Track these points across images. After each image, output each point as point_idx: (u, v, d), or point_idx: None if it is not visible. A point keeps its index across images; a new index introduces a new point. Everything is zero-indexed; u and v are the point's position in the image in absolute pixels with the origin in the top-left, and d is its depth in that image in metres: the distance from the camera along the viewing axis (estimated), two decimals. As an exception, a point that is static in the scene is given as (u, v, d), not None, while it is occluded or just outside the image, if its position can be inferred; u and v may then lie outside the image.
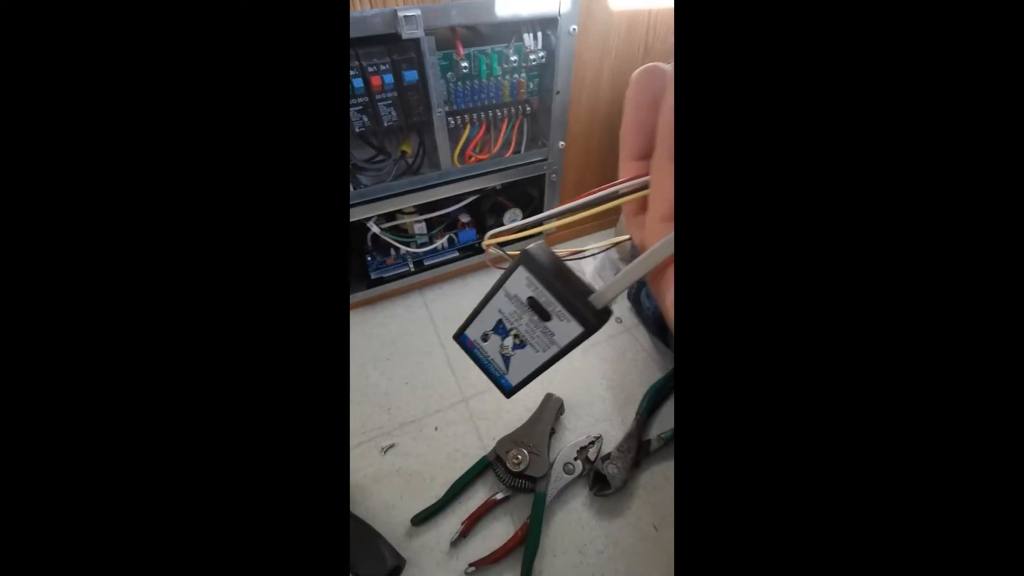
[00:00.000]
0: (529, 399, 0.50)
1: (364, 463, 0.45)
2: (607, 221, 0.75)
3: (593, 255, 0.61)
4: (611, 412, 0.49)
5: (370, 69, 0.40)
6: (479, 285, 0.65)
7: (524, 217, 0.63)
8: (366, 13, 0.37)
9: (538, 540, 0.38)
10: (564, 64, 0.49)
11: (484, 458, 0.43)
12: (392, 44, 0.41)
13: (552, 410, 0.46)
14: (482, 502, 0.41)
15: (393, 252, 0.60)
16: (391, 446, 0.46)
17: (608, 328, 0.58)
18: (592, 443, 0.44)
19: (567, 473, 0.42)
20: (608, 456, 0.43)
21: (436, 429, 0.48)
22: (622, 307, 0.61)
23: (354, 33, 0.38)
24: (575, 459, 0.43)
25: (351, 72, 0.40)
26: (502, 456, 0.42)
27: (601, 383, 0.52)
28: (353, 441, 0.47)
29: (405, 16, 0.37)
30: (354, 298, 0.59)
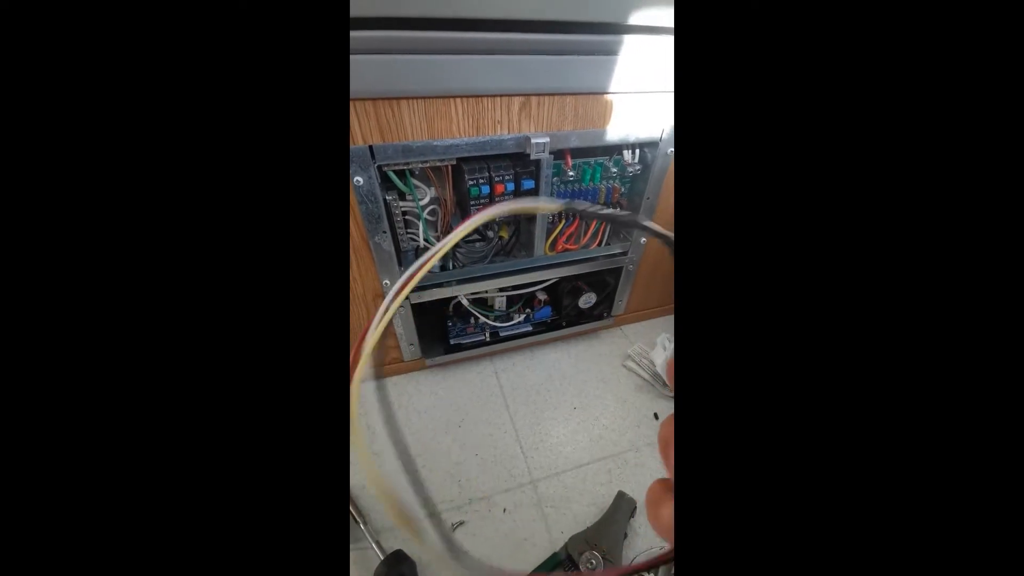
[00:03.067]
0: (598, 492, 0.50)
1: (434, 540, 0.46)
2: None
3: (664, 348, 0.63)
4: (682, 520, 0.48)
5: (496, 179, 0.46)
6: (546, 359, 0.67)
7: (599, 299, 0.67)
8: (503, 137, 0.44)
9: (610, 659, 0.37)
10: (657, 177, 0.54)
11: (555, 554, 0.43)
12: (517, 159, 0.47)
13: (626, 511, 0.46)
14: None
15: (473, 321, 0.64)
16: (460, 523, 0.47)
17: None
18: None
19: (640, 585, 0.41)
20: (683, 573, 0.41)
21: (505, 511, 0.48)
22: (689, 402, 0.61)
23: (490, 151, 0.44)
24: (649, 572, 0.42)
25: (482, 181, 0.46)
26: (574, 557, 0.42)
27: (671, 485, 0.51)
28: (424, 511, 0.48)
29: (536, 142, 0.44)
30: (432, 360, 0.63)
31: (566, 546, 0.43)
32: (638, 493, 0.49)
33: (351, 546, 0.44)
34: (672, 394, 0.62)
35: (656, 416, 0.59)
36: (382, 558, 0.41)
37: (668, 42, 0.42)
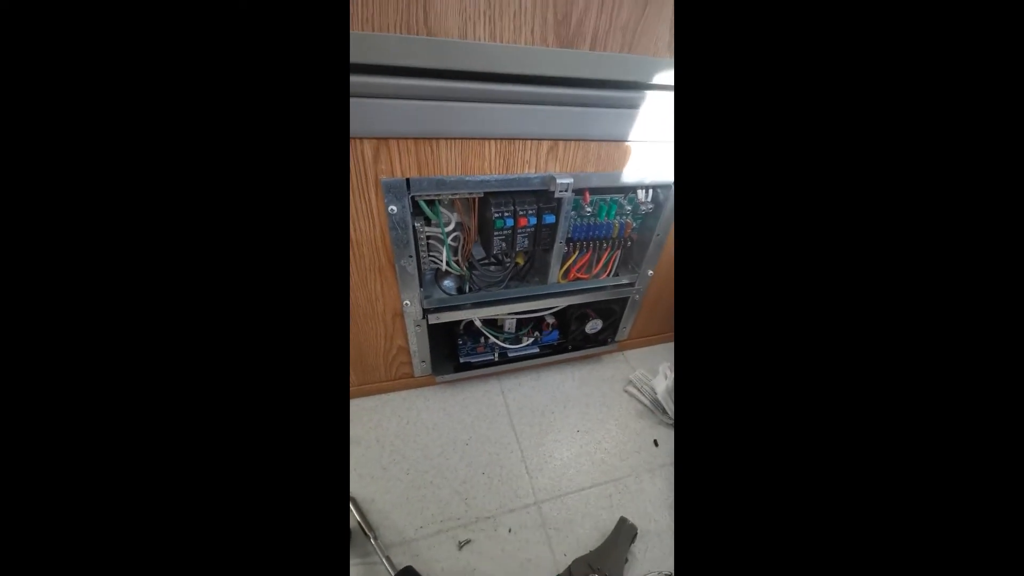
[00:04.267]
0: (600, 515, 0.52)
1: (442, 554, 0.47)
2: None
3: (665, 377, 0.66)
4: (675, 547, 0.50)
5: (520, 212, 0.49)
6: (551, 380, 0.69)
7: (604, 326, 0.69)
8: (530, 176, 0.47)
9: None
10: (667, 216, 0.58)
11: None
12: (541, 195, 0.50)
13: (627, 536, 0.48)
14: (554, 624, 0.42)
15: (483, 341, 0.66)
16: (467, 541, 0.48)
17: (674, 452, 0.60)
18: (663, 580, 0.45)
19: (639, 610, 0.43)
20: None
21: (510, 531, 0.50)
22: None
23: (517, 188, 0.47)
24: (648, 596, 0.44)
25: (507, 213, 0.49)
26: None
27: (668, 512, 0.53)
28: (432, 528, 0.50)
29: (560, 182, 0.47)
30: (442, 378, 0.65)
31: (569, 568, 0.45)
32: (639, 519, 0.51)
33: (361, 560, 0.45)
34: (671, 421, 0.64)
35: (656, 443, 0.61)
36: (392, 574, 0.43)
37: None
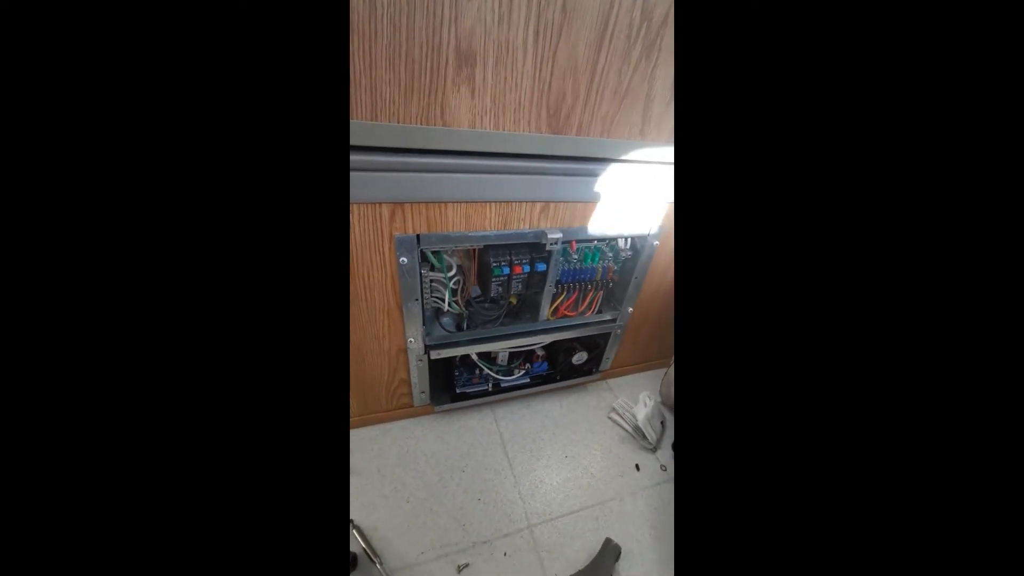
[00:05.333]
0: (588, 537, 0.57)
1: (442, 578, 0.51)
2: (654, 363, 0.86)
3: (645, 404, 0.72)
4: (657, 566, 0.55)
5: (516, 261, 0.56)
6: (541, 408, 0.75)
7: (589, 357, 0.75)
8: (525, 231, 0.53)
9: None
10: (644, 261, 0.65)
11: None
12: (534, 247, 0.57)
13: (612, 555, 0.53)
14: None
15: (477, 372, 0.71)
16: (466, 565, 0.52)
17: (654, 475, 0.66)
18: (644, 596, 0.49)
19: (623, 624, 0.47)
20: (659, 613, 0.48)
21: (505, 555, 0.54)
22: (667, 455, 0.70)
23: (513, 241, 0.54)
24: (631, 611, 0.48)
25: (504, 263, 0.55)
26: None
27: (650, 532, 0.58)
28: (432, 554, 0.53)
29: (551, 236, 0.53)
30: (439, 407, 0.69)
31: (560, 588, 0.49)
32: (623, 539, 0.56)
33: (366, 586, 0.48)
34: (651, 446, 0.70)
35: (638, 467, 0.67)
36: (397, 598, 0.46)
37: (661, 169, 0.54)
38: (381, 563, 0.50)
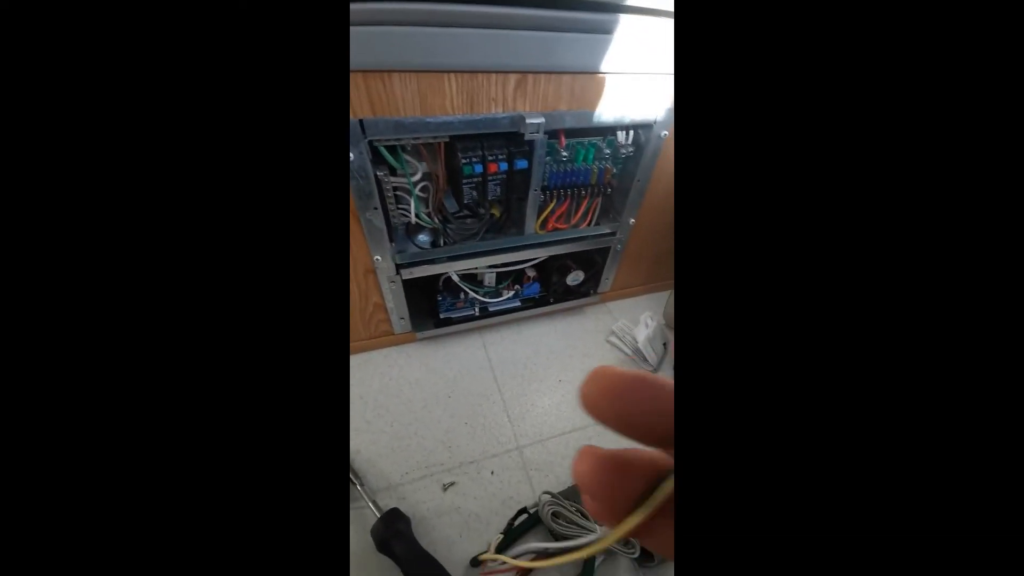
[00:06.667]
0: (577, 457, 0.55)
1: (427, 496, 0.50)
2: (660, 285, 0.79)
3: (647, 326, 0.66)
4: (652, 481, 0.53)
5: (490, 158, 0.46)
6: (534, 334, 0.70)
7: (586, 277, 0.68)
8: (497, 116, 0.43)
9: (583, 598, 0.42)
10: (649, 159, 0.55)
11: (524, 508, 0.47)
12: (511, 138, 0.47)
13: (602, 474, 0.50)
14: (532, 556, 0.45)
15: (462, 296, 0.66)
16: (452, 484, 0.51)
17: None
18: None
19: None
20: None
21: (492, 473, 0.52)
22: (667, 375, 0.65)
23: (484, 130, 0.44)
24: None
25: (475, 159, 0.46)
26: (540, 509, 0.46)
27: (644, 450, 0.56)
28: (417, 474, 0.52)
29: (531, 122, 0.43)
30: (422, 334, 0.65)
31: (548, 505, 0.47)
32: (614, 458, 0.54)
33: (350, 505, 0.48)
34: (652, 368, 0.66)
35: (635, 388, 0.63)
36: (378, 516, 0.45)
37: (665, 24, 0.41)
38: (361, 484, 0.48)
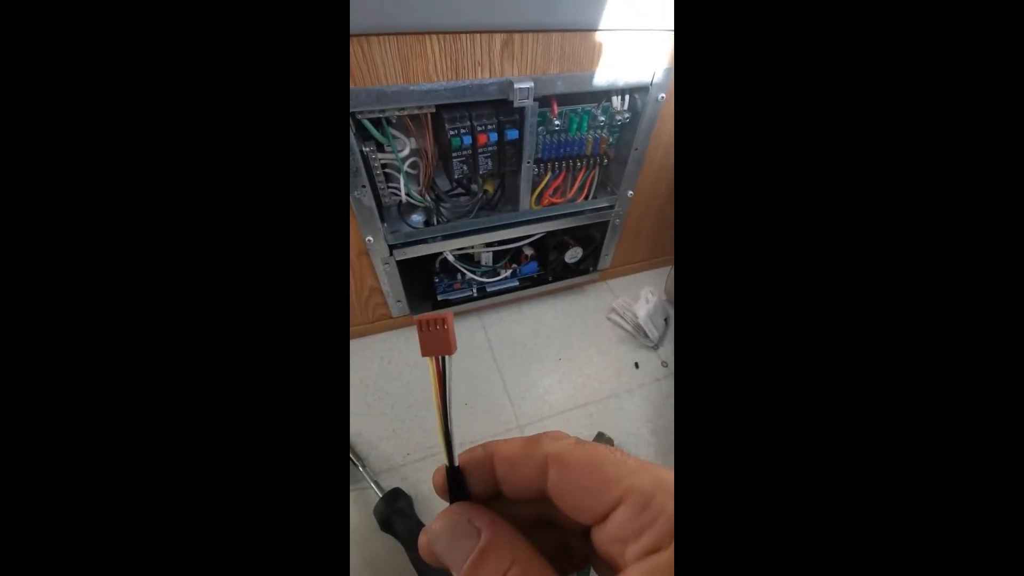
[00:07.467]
0: (580, 434, 0.54)
1: (429, 476, 0.49)
2: (661, 260, 0.77)
3: (647, 301, 0.65)
4: (655, 458, 0.52)
5: (479, 128, 0.44)
6: (533, 313, 0.69)
7: (585, 254, 0.67)
8: (484, 82, 0.41)
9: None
10: (646, 126, 0.52)
11: None
12: (500, 106, 0.45)
13: (605, 449, 0.50)
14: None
15: (459, 277, 0.64)
16: (453, 464, 0.50)
17: (654, 371, 0.61)
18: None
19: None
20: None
21: (494, 452, 0.52)
22: (668, 351, 0.64)
23: (471, 98, 0.42)
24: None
25: (463, 130, 0.44)
26: None
27: (647, 426, 0.55)
28: (419, 455, 0.51)
29: (519, 87, 0.41)
30: (421, 316, 0.64)
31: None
32: (617, 435, 0.53)
33: (352, 487, 0.48)
34: (653, 344, 0.65)
35: (637, 365, 0.62)
36: (381, 495, 0.45)
37: (662, -30, 0.38)
38: (364, 466, 0.48)
